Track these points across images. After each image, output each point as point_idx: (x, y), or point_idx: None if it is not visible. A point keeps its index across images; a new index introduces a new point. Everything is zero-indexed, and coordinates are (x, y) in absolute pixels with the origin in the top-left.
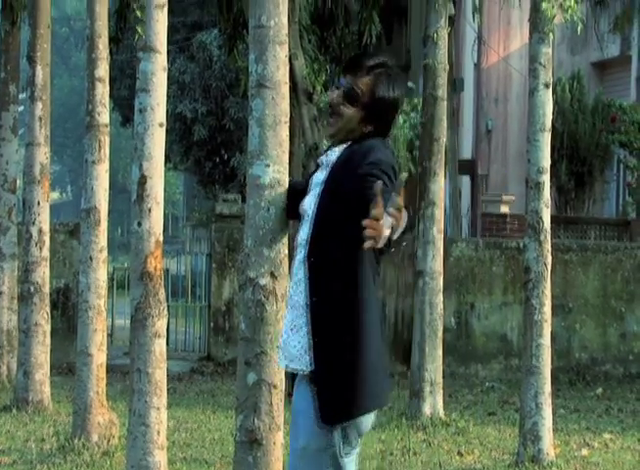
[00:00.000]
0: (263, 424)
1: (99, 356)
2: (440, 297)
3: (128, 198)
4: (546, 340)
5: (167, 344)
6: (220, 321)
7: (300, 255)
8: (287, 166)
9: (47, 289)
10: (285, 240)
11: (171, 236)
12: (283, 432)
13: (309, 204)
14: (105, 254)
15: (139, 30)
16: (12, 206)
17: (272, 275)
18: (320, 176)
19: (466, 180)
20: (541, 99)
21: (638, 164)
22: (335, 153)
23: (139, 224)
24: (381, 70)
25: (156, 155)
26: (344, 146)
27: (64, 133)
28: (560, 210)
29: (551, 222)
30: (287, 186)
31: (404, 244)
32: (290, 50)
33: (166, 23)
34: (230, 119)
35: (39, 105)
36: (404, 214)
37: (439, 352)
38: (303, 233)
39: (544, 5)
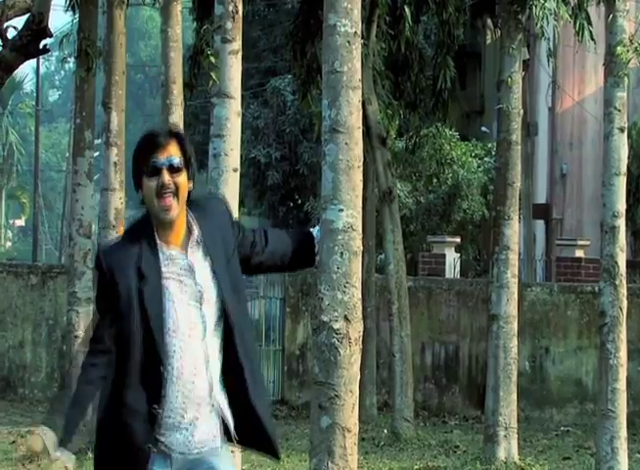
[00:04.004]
0: (337, 467)
1: None
2: (515, 341)
3: None
4: (622, 384)
5: None
6: (294, 365)
7: None
8: (360, 211)
9: None
10: (358, 284)
11: (245, 280)
12: None
13: None
14: None
15: (213, 76)
16: (87, 250)
17: (346, 319)
18: None
19: (540, 224)
20: (616, 143)
21: None
22: None
23: None
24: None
25: (230, 200)
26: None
27: None
28: (635, 254)
29: (626, 267)
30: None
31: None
32: (363, 95)
33: (240, 69)
34: (304, 164)
35: (114, 150)
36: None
37: (514, 396)
38: None
39: (619, 49)
